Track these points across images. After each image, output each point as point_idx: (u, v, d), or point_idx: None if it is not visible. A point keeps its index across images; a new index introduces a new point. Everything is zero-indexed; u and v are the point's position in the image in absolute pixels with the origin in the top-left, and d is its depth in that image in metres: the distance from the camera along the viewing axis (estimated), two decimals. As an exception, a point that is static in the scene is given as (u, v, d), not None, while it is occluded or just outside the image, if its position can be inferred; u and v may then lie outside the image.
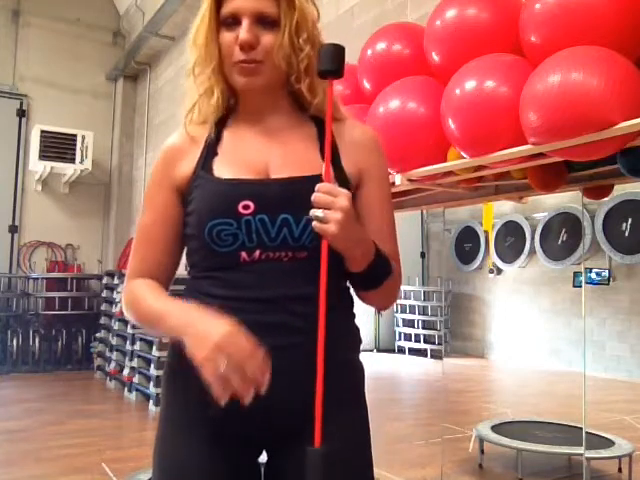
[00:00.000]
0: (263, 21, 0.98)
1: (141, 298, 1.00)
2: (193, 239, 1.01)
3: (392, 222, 1.10)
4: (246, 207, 0.96)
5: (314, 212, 0.89)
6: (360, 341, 1.09)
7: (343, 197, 0.89)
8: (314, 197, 0.89)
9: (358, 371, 1.08)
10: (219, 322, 0.87)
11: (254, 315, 0.95)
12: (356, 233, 0.92)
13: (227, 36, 1.00)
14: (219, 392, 0.83)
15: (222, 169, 1.01)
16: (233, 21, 0.99)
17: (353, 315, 1.08)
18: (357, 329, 1.08)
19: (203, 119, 1.06)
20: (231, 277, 0.97)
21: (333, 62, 0.93)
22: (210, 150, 1.04)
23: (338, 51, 0.94)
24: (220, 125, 1.06)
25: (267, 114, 1.06)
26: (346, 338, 1.05)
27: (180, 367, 1.00)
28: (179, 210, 1.03)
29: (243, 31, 0.97)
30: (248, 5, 0.98)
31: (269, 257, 0.96)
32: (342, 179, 1.02)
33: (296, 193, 0.96)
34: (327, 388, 0.97)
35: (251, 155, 1.03)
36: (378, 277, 1.00)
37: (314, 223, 0.89)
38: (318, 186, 0.90)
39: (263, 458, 1.05)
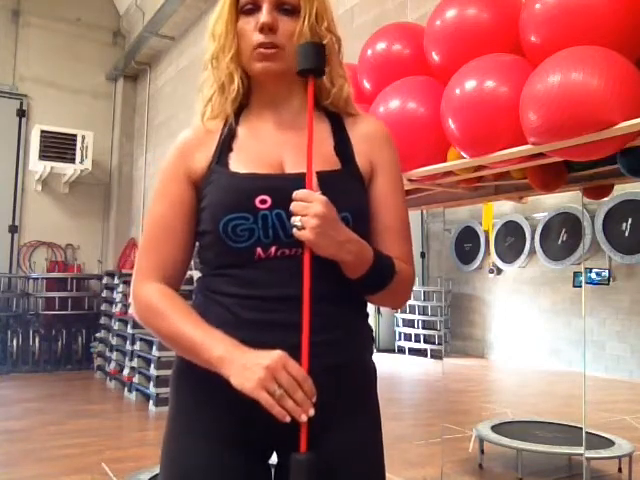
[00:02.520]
0: (283, 8, 0.99)
1: (164, 314, 0.96)
2: (206, 235, 0.99)
3: (404, 218, 1.07)
4: (263, 202, 0.95)
5: (293, 220, 0.90)
6: (373, 340, 1.08)
7: (317, 203, 0.89)
8: (292, 205, 0.90)
9: (370, 371, 1.06)
10: (264, 352, 0.87)
11: (269, 314, 0.94)
12: (338, 238, 0.91)
13: (246, 22, 1.00)
14: (280, 415, 0.84)
15: (237, 164, 1.00)
16: (253, 7, 1.00)
17: (365, 314, 1.06)
18: (370, 328, 1.07)
19: (218, 112, 1.05)
20: (245, 274, 0.96)
21: (314, 60, 0.93)
22: (225, 145, 1.03)
23: (318, 49, 0.94)
24: (234, 121, 1.06)
25: (281, 106, 1.05)
26: (358, 337, 1.04)
27: (189, 367, 0.99)
28: (194, 203, 1.02)
29: (264, 14, 0.98)
30: None
31: (285, 254, 0.95)
32: (355, 174, 1.02)
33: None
34: (338, 390, 0.97)
35: (266, 150, 1.02)
36: (378, 283, 0.99)
37: (294, 230, 0.90)
38: (295, 194, 0.90)
39: (274, 459, 1.04)
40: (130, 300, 1.02)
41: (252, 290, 0.95)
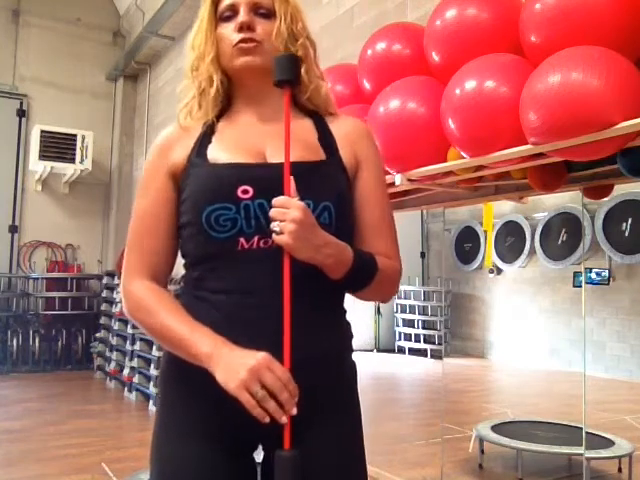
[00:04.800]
0: (259, 11, 1.05)
1: (153, 311, 0.97)
2: (188, 226, 1.00)
3: (388, 213, 1.10)
4: (245, 192, 0.96)
5: (272, 225, 0.91)
6: (351, 336, 1.08)
7: (295, 209, 0.90)
8: (271, 212, 0.91)
9: (350, 368, 1.07)
10: (250, 352, 0.88)
11: (249, 311, 0.95)
12: (316, 242, 0.92)
13: (225, 27, 1.05)
14: (260, 415, 0.85)
15: (217, 154, 1.02)
16: (231, 14, 1.05)
17: (343, 311, 1.07)
18: (348, 324, 1.08)
19: (198, 118, 1.08)
20: (227, 266, 0.97)
21: (289, 72, 0.96)
22: (205, 139, 1.05)
23: (293, 61, 0.97)
24: (215, 120, 1.08)
25: (262, 102, 1.07)
26: (337, 332, 1.05)
27: (175, 366, 1.00)
28: (175, 197, 1.03)
29: (242, 14, 1.03)
30: None
31: (267, 243, 0.96)
32: (339, 165, 1.05)
33: (295, 178, 0.95)
34: (318, 387, 0.98)
35: (247, 139, 1.04)
36: (359, 282, 1.01)
37: (273, 236, 0.91)
38: (274, 201, 0.92)
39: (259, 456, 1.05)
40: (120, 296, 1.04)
41: (232, 284, 0.97)
